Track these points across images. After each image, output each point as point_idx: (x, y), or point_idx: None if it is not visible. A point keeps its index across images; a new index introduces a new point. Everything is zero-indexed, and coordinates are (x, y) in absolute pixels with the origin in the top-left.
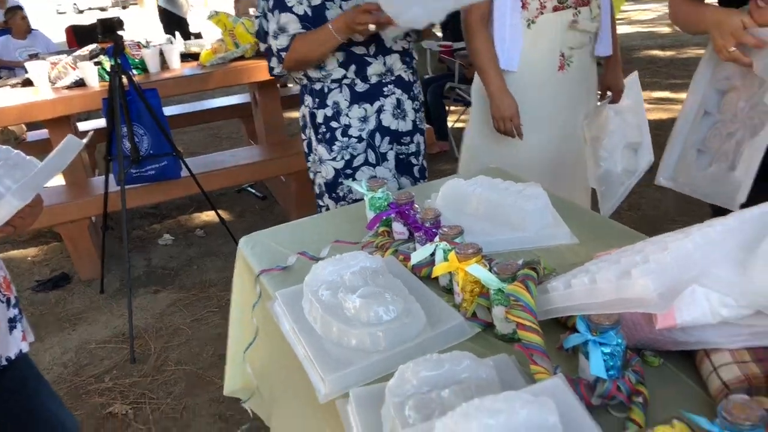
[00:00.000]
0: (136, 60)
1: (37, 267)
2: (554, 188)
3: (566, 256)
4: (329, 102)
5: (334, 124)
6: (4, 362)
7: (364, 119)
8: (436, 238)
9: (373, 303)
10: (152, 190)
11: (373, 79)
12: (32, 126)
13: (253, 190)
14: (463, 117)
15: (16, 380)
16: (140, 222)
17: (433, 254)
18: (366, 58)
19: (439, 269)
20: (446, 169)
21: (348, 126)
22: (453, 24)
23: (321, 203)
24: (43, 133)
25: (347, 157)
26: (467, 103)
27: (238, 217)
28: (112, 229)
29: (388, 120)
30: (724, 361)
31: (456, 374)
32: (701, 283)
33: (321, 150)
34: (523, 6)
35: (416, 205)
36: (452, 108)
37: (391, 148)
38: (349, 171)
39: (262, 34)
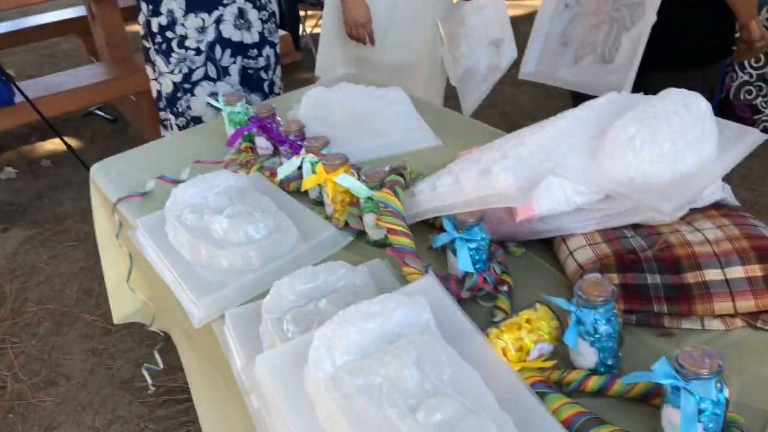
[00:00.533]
0: None
1: None
2: (411, 90)
3: (432, 159)
4: (163, 10)
5: (169, 34)
6: None
7: (201, 29)
8: (302, 151)
9: (241, 222)
10: None
11: None
12: None
13: (102, 113)
14: (321, 22)
15: None
16: None
17: (300, 167)
18: None
19: (307, 182)
20: (306, 78)
21: (184, 37)
22: None
23: (163, 117)
24: None
25: (185, 70)
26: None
27: (89, 143)
28: None
29: (229, 31)
30: (578, 244)
31: (332, 284)
32: (556, 173)
33: (159, 61)
34: None
35: (278, 118)
36: (309, 12)
37: (234, 62)
38: (187, 85)
39: None
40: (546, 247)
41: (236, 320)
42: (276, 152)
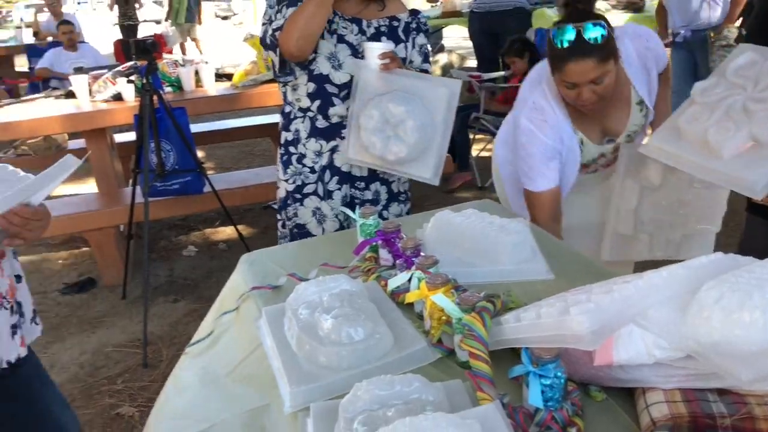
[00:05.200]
0: (172, 78)
1: (66, 270)
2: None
3: (540, 291)
4: (292, 128)
5: (292, 149)
6: (5, 365)
7: (318, 153)
8: (413, 267)
9: (344, 323)
10: (175, 203)
11: (334, 119)
12: (74, 134)
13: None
14: (489, 146)
15: (21, 382)
16: (167, 233)
17: (410, 281)
18: (333, 98)
19: (411, 296)
20: (467, 197)
21: (303, 155)
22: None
23: (279, 217)
24: (82, 142)
25: (298, 182)
26: (492, 133)
27: (261, 233)
28: (140, 237)
29: (340, 160)
30: (656, 399)
31: (405, 395)
32: (638, 323)
33: (280, 168)
34: None
35: (402, 234)
36: (478, 137)
37: (339, 189)
38: (298, 196)
39: (266, 42)
40: (629, 396)
41: (319, 414)
42: (395, 264)
